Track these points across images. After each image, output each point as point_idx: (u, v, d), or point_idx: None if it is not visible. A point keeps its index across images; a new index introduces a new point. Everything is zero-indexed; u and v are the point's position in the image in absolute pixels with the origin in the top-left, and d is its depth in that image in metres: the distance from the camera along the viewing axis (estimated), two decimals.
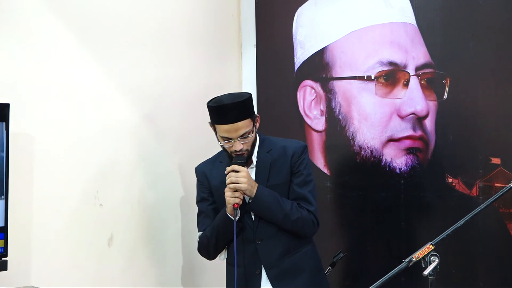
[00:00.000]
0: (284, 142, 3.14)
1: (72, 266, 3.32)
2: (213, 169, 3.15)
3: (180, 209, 3.84)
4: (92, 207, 3.42)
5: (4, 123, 2.89)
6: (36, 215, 3.17)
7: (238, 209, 2.96)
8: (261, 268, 3.04)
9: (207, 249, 3.13)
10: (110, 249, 3.49)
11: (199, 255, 3.30)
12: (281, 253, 3.04)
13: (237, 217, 2.97)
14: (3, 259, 2.88)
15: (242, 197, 2.96)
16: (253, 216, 3.06)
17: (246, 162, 3.03)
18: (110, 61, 3.53)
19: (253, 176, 3.06)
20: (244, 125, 2.97)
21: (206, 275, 3.92)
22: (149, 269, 3.67)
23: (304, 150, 3.10)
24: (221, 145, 3.06)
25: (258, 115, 3.10)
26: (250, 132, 3.00)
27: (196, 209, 3.31)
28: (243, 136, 2.98)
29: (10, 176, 2.92)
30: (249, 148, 3.03)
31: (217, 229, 3.05)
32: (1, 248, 2.88)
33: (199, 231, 3.21)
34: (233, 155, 3.02)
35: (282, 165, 3.06)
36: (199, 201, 3.22)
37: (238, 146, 2.98)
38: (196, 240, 3.25)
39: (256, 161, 3.08)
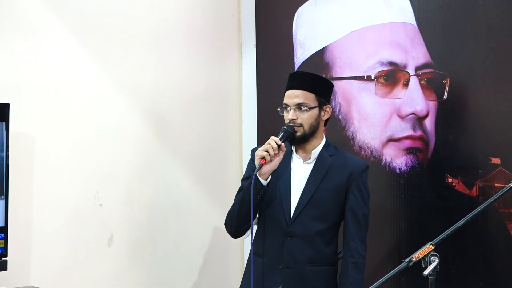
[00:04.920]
0: (348, 155, 3.12)
1: (72, 266, 3.33)
2: None
3: (180, 209, 3.83)
4: (92, 207, 3.42)
5: (4, 123, 2.90)
6: (36, 215, 3.18)
7: (270, 176, 2.90)
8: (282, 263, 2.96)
9: (231, 217, 3.01)
10: (110, 249, 3.49)
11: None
12: (307, 259, 2.95)
13: (268, 180, 2.91)
14: (3, 259, 2.88)
15: (269, 158, 2.86)
16: (293, 210, 2.99)
17: (293, 137, 2.97)
18: (109, 61, 3.53)
19: (309, 170, 3.03)
20: (303, 95, 2.97)
21: (206, 275, 3.92)
22: (149, 269, 3.67)
23: (366, 169, 3.08)
24: (281, 115, 3.03)
25: (330, 106, 3.06)
26: (308, 106, 2.97)
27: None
28: (299, 106, 2.97)
29: (10, 176, 2.93)
30: (304, 125, 2.98)
31: (245, 189, 2.96)
32: (1, 248, 2.88)
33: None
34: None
35: (339, 175, 3.02)
36: (244, 178, 3.11)
37: (292, 114, 2.97)
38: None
39: (317, 159, 3.04)
